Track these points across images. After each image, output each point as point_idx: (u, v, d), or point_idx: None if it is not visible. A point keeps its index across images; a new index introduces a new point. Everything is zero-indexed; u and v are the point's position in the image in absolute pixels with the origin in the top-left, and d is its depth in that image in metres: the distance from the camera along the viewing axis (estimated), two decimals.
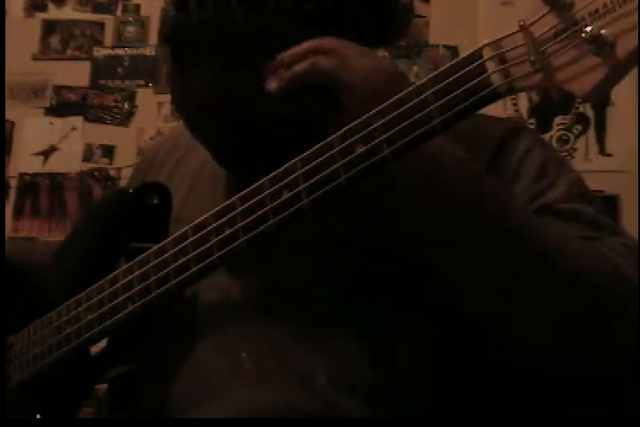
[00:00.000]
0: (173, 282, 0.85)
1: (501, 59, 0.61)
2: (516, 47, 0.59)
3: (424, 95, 0.65)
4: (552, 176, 0.94)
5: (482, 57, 0.62)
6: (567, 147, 2.58)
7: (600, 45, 0.54)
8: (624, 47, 0.53)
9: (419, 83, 0.65)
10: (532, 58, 0.58)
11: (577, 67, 0.56)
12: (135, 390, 1.02)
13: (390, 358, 0.90)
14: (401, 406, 0.91)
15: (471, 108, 0.63)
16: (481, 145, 0.95)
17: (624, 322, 0.79)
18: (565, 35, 0.56)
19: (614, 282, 0.79)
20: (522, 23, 0.58)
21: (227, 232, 0.79)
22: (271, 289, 0.95)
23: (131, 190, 1.04)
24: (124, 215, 1.04)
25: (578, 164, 2.55)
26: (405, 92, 0.66)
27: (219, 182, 1.08)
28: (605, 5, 0.53)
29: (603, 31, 0.53)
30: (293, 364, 0.92)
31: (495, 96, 0.61)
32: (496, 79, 0.61)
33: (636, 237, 2.43)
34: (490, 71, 0.61)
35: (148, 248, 0.90)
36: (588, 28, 0.54)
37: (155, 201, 1.02)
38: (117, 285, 0.92)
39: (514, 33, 0.60)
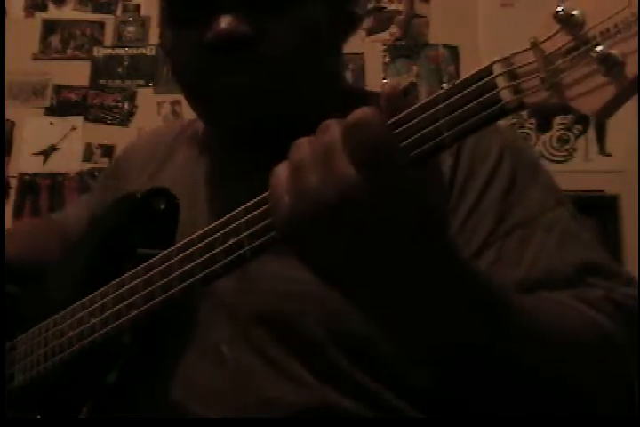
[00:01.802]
0: (176, 289, 0.86)
1: (512, 75, 0.61)
2: (526, 64, 0.60)
3: (434, 110, 0.65)
4: (522, 188, 0.94)
5: (492, 73, 0.62)
6: (567, 147, 2.58)
7: (610, 65, 0.54)
8: (633, 67, 0.53)
9: (429, 98, 0.66)
10: (543, 75, 0.58)
11: (586, 85, 0.56)
12: (128, 390, 1.03)
13: (375, 349, 0.91)
14: (388, 398, 0.93)
15: (480, 124, 0.63)
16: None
17: (613, 379, 0.82)
18: (576, 53, 0.56)
19: (603, 348, 0.81)
20: (533, 40, 0.58)
21: (232, 240, 0.79)
22: (249, 290, 0.96)
23: (138, 195, 1.04)
24: (131, 220, 1.04)
25: (578, 164, 2.56)
26: (416, 105, 0.66)
27: (199, 183, 1.09)
28: (616, 25, 0.53)
29: (613, 51, 0.54)
30: (276, 360, 0.95)
31: (504, 112, 0.61)
32: (506, 95, 0.61)
33: (637, 237, 2.43)
34: (500, 87, 0.61)
35: (155, 254, 0.90)
36: (599, 48, 0.54)
37: (162, 206, 1.02)
38: (122, 290, 0.93)
39: (525, 50, 0.60)
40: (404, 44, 2.74)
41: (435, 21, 2.75)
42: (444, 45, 2.72)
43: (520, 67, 0.60)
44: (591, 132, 2.57)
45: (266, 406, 0.94)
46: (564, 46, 0.57)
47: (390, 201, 0.64)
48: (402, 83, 2.68)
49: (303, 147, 0.68)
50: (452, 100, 0.64)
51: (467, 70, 2.66)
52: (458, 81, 0.64)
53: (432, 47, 2.73)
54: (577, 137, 2.58)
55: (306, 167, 0.66)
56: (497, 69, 0.62)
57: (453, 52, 2.71)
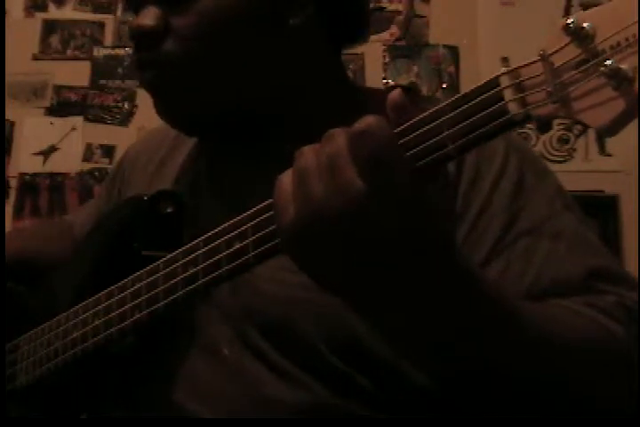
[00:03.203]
0: (180, 293, 0.86)
1: (519, 87, 0.60)
2: (534, 76, 0.59)
3: (439, 120, 0.64)
4: (529, 193, 0.93)
5: (499, 85, 0.61)
6: (567, 147, 2.58)
7: (619, 80, 0.53)
8: None
9: (435, 107, 0.65)
10: (551, 88, 0.58)
11: (595, 99, 0.56)
12: (129, 389, 1.03)
13: (369, 350, 0.91)
14: (384, 399, 0.93)
15: (486, 136, 0.62)
16: None
17: (623, 383, 0.81)
18: (585, 67, 0.56)
19: (614, 354, 0.81)
20: (542, 52, 0.58)
21: (237, 246, 0.79)
22: (242, 292, 0.96)
23: (146, 198, 1.04)
24: (138, 222, 1.04)
25: (578, 164, 2.56)
26: (421, 116, 0.66)
27: (199, 181, 1.09)
28: (627, 39, 0.53)
29: (622, 66, 0.53)
30: (272, 360, 0.95)
31: (511, 124, 0.61)
32: (513, 108, 0.60)
33: (636, 237, 2.43)
34: (507, 99, 0.60)
35: (160, 256, 0.90)
36: (608, 62, 0.54)
37: (169, 209, 1.02)
38: (126, 292, 0.93)
39: (533, 62, 0.59)
40: (404, 44, 2.74)
41: (435, 21, 2.75)
42: (444, 45, 2.72)
43: (527, 79, 0.60)
44: (591, 133, 2.57)
45: (263, 405, 0.94)
46: (573, 59, 0.57)
47: (396, 211, 0.64)
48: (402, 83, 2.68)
49: (308, 155, 0.68)
50: (458, 111, 0.64)
51: (467, 70, 2.69)
52: (465, 92, 0.64)
53: (432, 47, 2.72)
54: (577, 137, 2.58)
55: (311, 176, 0.66)
56: (504, 82, 0.61)
57: (453, 52, 2.71)
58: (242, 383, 0.95)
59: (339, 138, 0.66)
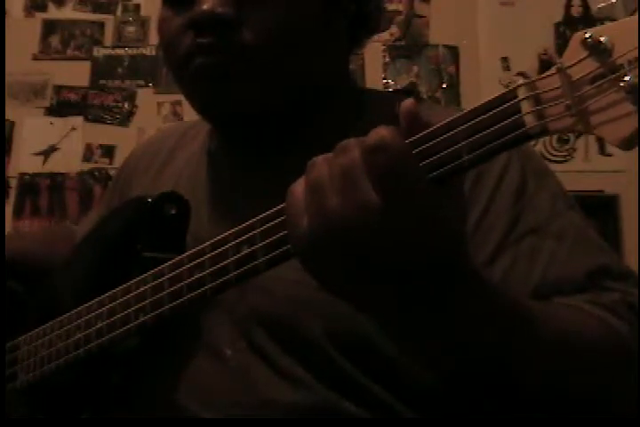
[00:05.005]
0: (186, 297, 0.85)
1: (536, 100, 0.60)
2: (552, 89, 0.59)
3: (455, 131, 0.64)
4: (531, 193, 0.94)
5: (516, 97, 0.61)
6: (567, 147, 2.58)
7: (638, 95, 0.54)
8: None
9: (451, 118, 0.65)
10: (569, 101, 0.58)
11: (613, 114, 0.55)
12: (130, 389, 1.03)
13: (377, 352, 0.91)
14: (389, 401, 0.93)
15: (501, 148, 0.62)
16: None
17: (624, 383, 0.81)
18: (603, 81, 0.56)
19: (619, 352, 0.81)
20: (559, 65, 0.58)
21: (245, 251, 0.78)
22: (250, 291, 0.96)
23: (149, 199, 1.04)
24: (141, 224, 1.04)
25: (578, 164, 2.56)
26: (436, 126, 0.66)
27: (199, 184, 1.09)
28: None
29: None
30: (277, 362, 0.95)
31: (527, 137, 0.61)
32: (530, 120, 0.60)
33: (636, 237, 2.43)
34: (524, 112, 0.60)
35: (162, 258, 0.90)
36: (627, 77, 0.54)
37: (172, 211, 1.02)
38: (130, 295, 0.92)
39: (550, 75, 0.59)
40: (403, 44, 2.74)
41: (435, 21, 2.75)
42: (444, 45, 2.72)
43: (545, 92, 0.59)
44: None
45: (265, 407, 0.94)
46: (590, 73, 0.56)
47: (412, 223, 0.64)
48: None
49: (321, 166, 0.67)
50: (473, 122, 0.63)
51: (467, 70, 2.68)
52: (481, 103, 0.63)
53: (432, 47, 2.73)
54: (577, 137, 2.58)
55: (325, 188, 0.66)
56: (521, 93, 0.61)
57: (453, 52, 2.71)
58: (244, 385, 0.95)
59: (353, 150, 0.65)
